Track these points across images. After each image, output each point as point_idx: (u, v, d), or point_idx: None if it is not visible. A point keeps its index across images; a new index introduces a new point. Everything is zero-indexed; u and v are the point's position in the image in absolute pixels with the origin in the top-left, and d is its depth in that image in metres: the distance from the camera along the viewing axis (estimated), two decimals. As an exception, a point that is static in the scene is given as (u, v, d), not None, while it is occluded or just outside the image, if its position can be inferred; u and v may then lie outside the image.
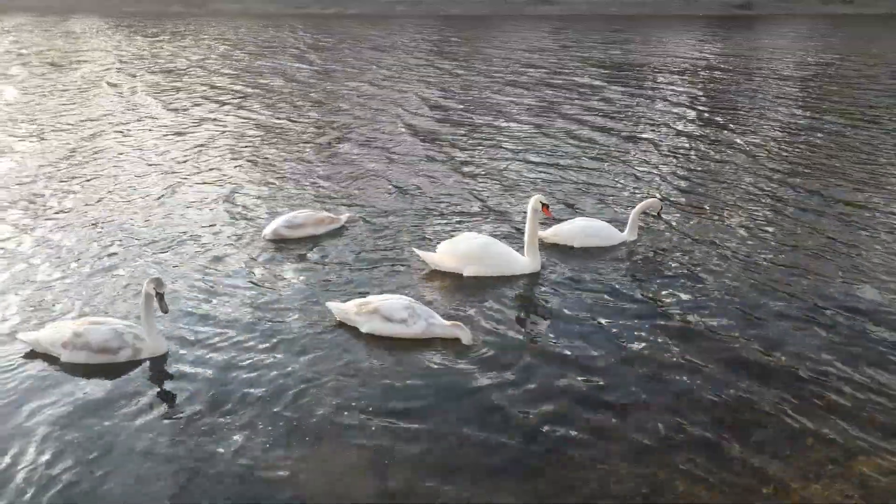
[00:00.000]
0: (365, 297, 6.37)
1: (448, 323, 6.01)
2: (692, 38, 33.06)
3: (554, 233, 8.16)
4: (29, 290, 6.92)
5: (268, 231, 8.25)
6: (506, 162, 11.74)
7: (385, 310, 5.99)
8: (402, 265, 7.62)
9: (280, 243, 8.14)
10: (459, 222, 8.90)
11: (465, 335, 5.93)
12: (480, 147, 12.75)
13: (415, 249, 7.61)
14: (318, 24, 40.56)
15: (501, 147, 12.72)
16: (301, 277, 7.31)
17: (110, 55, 25.94)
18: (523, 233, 7.45)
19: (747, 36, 34.35)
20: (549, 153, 12.26)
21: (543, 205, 7.22)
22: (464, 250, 7.27)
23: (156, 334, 5.75)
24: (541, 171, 11.12)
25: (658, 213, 8.44)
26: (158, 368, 5.64)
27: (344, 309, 6.21)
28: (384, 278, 7.30)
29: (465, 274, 7.31)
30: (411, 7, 51.36)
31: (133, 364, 5.64)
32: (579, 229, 8.08)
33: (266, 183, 10.62)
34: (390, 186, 10.39)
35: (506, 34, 34.90)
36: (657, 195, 9.85)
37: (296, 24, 39.75)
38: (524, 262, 7.35)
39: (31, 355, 5.76)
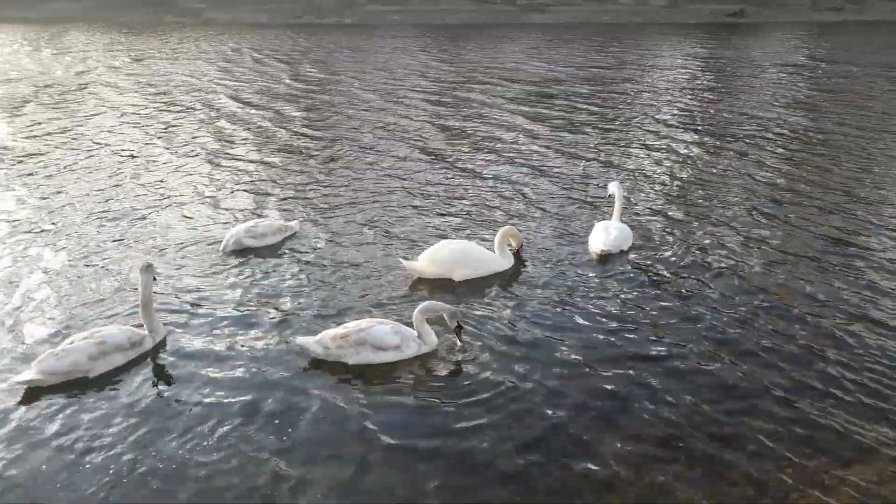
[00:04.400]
0: (337, 325, 5.93)
1: (430, 331, 5.91)
2: (684, 47, 33.09)
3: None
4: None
5: (228, 243, 7.98)
6: (488, 169, 11.67)
7: (375, 339, 5.64)
8: (379, 274, 7.50)
9: (242, 255, 7.89)
10: (431, 230, 8.81)
11: (449, 311, 5.83)
12: (461, 156, 12.63)
13: (400, 259, 7.52)
14: (312, 34, 40.55)
15: (482, 156, 12.55)
16: (274, 297, 6.92)
17: (97, 68, 25.86)
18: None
19: (739, 44, 34.42)
20: (533, 163, 12.03)
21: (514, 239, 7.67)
22: (447, 256, 7.33)
23: (157, 319, 6.10)
24: (524, 182, 10.94)
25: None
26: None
27: (320, 342, 5.69)
28: (364, 289, 7.13)
29: (456, 279, 7.30)
30: (406, 16, 51.41)
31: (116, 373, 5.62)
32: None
33: (234, 194, 10.41)
34: (363, 195, 10.23)
35: (498, 43, 34.92)
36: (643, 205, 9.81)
37: (289, 35, 39.75)
38: (502, 260, 7.54)
39: (31, 394, 5.33)
